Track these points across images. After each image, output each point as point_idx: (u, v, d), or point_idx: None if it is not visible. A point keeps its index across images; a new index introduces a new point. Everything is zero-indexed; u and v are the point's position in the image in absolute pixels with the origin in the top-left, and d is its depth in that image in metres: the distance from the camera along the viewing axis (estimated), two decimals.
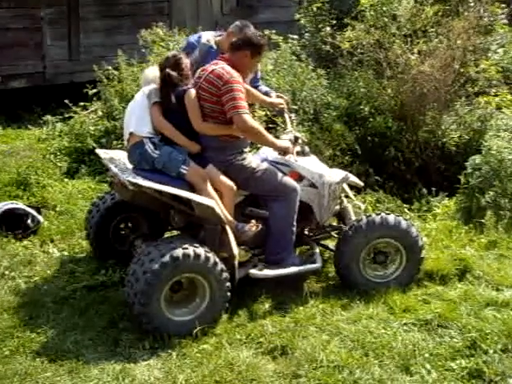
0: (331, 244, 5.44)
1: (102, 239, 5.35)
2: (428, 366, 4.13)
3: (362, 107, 7.83)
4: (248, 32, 4.91)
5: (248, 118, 4.57)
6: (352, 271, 4.99)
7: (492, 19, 8.69)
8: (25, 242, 5.73)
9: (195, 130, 4.69)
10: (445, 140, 7.71)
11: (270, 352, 4.27)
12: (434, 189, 7.10)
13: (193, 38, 5.72)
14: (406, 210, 6.73)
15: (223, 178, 4.66)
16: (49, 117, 8.66)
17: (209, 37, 5.54)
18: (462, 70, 7.73)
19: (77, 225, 6.05)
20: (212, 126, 4.67)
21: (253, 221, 4.76)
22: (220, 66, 4.67)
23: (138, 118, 4.69)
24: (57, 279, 5.15)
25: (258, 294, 4.90)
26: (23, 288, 5.00)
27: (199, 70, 4.85)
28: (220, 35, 5.58)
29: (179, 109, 4.67)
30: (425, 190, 7.19)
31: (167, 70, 4.70)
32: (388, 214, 5.08)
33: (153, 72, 4.95)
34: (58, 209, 6.40)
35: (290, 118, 5.33)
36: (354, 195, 5.70)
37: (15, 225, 5.84)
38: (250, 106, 4.97)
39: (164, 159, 4.57)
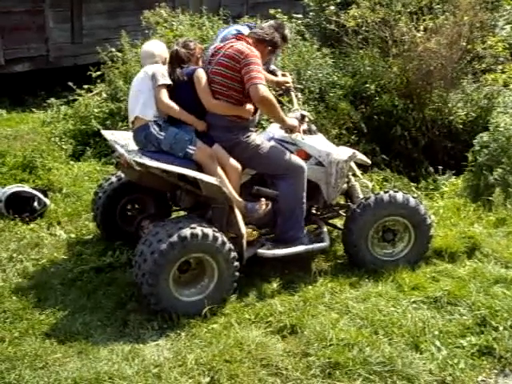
0: (339, 223, 5.42)
1: (109, 220, 5.35)
2: (438, 344, 4.12)
3: (367, 86, 7.79)
4: (274, 32, 4.94)
5: (264, 88, 4.55)
6: (360, 249, 4.97)
7: None
8: (32, 225, 5.73)
9: (205, 107, 4.66)
10: (451, 118, 7.69)
11: (280, 331, 4.27)
12: (440, 167, 7.07)
13: (230, 33, 5.57)
14: (412, 188, 6.71)
15: (229, 158, 4.63)
16: (53, 100, 8.64)
17: (246, 33, 5.45)
18: (468, 47, 7.69)
19: (83, 207, 6.05)
20: (223, 105, 4.64)
21: (262, 199, 4.74)
22: (240, 43, 4.70)
23: (143, 102, 4.65)
24: (64, 261, 5.15)
25: (266, 273, 4.89)
26: (31, 271, 5.00)
27: (212, 47, 4.84)
28: (253, 28, 5.50)
29: (187, 87, 4.63)
30: (431, 169, 7.18)
31: (176, 47, 4.73)
32: (396, 191, 5.05)
33: (157, 48, 4.91)
34: (64, 191, 6.39)
35: (297, 96, 5.29)
36: (361, 174, 5.66)
37: (22, 208, 5.84)
38: None
39: (170, 140, 4.54)
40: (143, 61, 4.93)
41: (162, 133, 4.56)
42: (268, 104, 4.63)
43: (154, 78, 4.63)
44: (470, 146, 6.81)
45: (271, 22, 5.45)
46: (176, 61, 4.70)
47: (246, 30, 5.43)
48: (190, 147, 4.53)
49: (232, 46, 4.67)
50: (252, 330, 4.24)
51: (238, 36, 4.91)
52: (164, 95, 4.60)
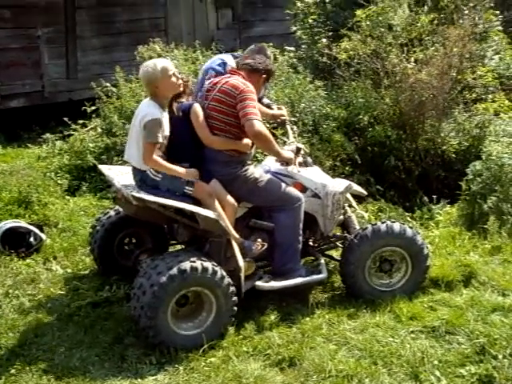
0: (335, 254, 5.43)
1: (106, 254, 5.34)
2: (437, 373, 4.10)
3: (360, 117, 7.86)
4: (266, 59, 5.06)
5: (259, 124, 4.59)
6: (358, 280, 4.98)
7: (487, 26, 8.78)
8: (28, 260, 5.71)
9: (203, 143, 4.67)
10: (444, 147, 7.74)
11: (278, 364, 4.25)
12: (434, 196, 7.11)
13: (214, 63, 5.55)
14: (407, 218, 6.73)
15: (226, 194, 4.65)
16: (48, 135, 8.66)
17: (232, 63, 5.47)
18: (459, 77, 7.78)
19: (79, 242, 6.04)
20: (221, 140, 4.67)
21: (259, 240, 4.77)
22: (235, 78, 4.74)
23: (138, 154, 4.53)
24: (61, 297, 5.13)
25: (263, 305, 4.88)
26: (27, 306, 4.97)
27: (208, 83, 4.86)
28: (237, 57, 5.58)
29: (183, 121, 4.65)
30: (426, 198, 7.20)
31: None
32: (393, 222, 5.08)
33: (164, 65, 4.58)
34: (60, 226, 6.39)
35: (292, 129, 5.34)
36: (356, 205, 5.69)
37: (18, 243, 5.82)
38: None
39: (167, 183, 4.51)
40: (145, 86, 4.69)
41: (158, 175, 4.52)
42: (263, 139, 4.67)
43: (145, 129, 4.45)
44: (464, 174, 6.85)
45: (251, 46, 5.55)
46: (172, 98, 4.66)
47: (230, 59, 5.51)
48: (188, 188, 4.52)
49: (227, 81, 4.72)
50: (250, 362, 4.22)
51: (232, 70, 4.97)
52: (150, 154, 4.43)
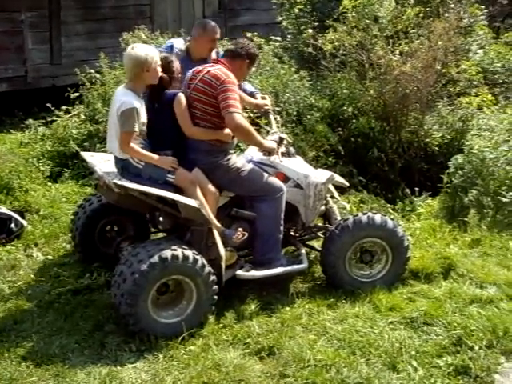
0: (316, 244, 5.45)
1: (88, 241, 5.32)
2: (414, 364, 4.15)
3: (345, 108, 7.89)
4: (247, 43, 4.99)
5: (239, 117, 4.58)
6: (338, 270, 5.01)
7: (472, 20, 8.83)
8: (8, 247, 5.68)
9: (185, 133, 4.67)
10: (427, 140, 7.79)
11: (257, 352, 4.28)
12: (417, 189, 7.16)
13: (163, 47, 5.69)
14: (389, 209, 6.78)
15: (208, 183, 4.65)
16: (31, 121, 8.60)
17: (181, 45, 5.56)
18: (443, 71, 7.83)
19: (61, 228, 6.02)
20: (202, 131, 4.67)
21: (240, 229, 4.77)
22: (217, 67, 4.72)
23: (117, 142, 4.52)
24: (41, 283, 5.11)
25: (244, 294, 4.89)
26: (7, 293, 4.95)
27: (191, 71, 4.83)
28: (188, 41, 5.60)
29: (167, 110, 4.64)
30: (408, 190, 7.26)
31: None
32: (375, 213, 5.11)
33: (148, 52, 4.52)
34: (41, 213, 6.35)
35: (276, 118, 5.34)
36: (339, 195, 5.71)
37: None
38: None
39: (149, 171, 4.51)
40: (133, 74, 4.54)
41: (140, 163, 4.52)
42: (244, 132, 4.68)
43: (120, 118, 4.43)
44: (446, 167, 6.90)
45: (195, 25, 5.61)
46: (159, 86, 4.62)
47: (179, 42, 5.57)
48: (169, 176, 4.52)
49: (209, 71, 4.70)
50: (230, 351, 4.25)
51: (215, 59, 4.97)
52: (126, 142, 4.43)
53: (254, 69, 7.73)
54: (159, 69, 4.56)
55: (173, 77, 4.71)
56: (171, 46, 5.52)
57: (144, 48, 4.56)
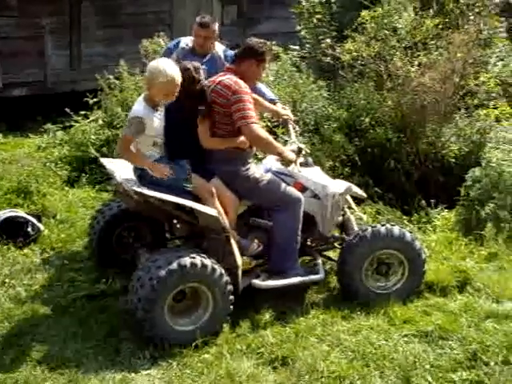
0: (333, 255, 5.44)
1: (105, 246, 5.35)
2: (429, 378, 4.13)
3: (362, 119, 7.86)
4: (255, 42, 4.89)
5: (256, 127, 4.58)
6: (354, 280, 4.99)
7: (491, 32, 8.78)
8: (25, 250, 5.73)
9: (203, 145, 4.68)
10: (444, 152, 7.74)
11: (271, 362, 4.28)
12: (433, 201, 7.12)
13: (171, 43, 5.97)
14: (405, 221, 6.74)
15: (227, 191, 4.67)
16: (49, 125, 8.68)
17: (187, 41, 5.75)
18: (461, 83, 7.77)
19: (77, 233, 6.06)
20: (219, 141, 4.68)
21: (256, 240, 4.79)
22: (227, 77, 4.70)
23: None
24: (57, 288, 5.14)
25: (259, 304, 4.89)
26: (23, 296, 5.00)
27: (206, 82, 4.82)
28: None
29: (184, 120, 4.64)
30: (424, 202, 7.21)
31: (203, 82, 4.62)
32: (393, 225, 5.10)
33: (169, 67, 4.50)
34: (58, 217, 6.39)
35: (294, 128, 5.32)
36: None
37: (16, 233, 5.83)
38: None
39: (166, 181, 4.52)
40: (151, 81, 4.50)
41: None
42: (263, 142, 4.70)
43: (127, 124, 4.53)
44: (463, 180, 6.86)
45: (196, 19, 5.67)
46: (191, 97, 4.59)
47: (187, 39, 5.75)
48: (187, 185, 4.54)
49: (220, 81, 4.68)
50: (243, 361, 4.25)
51: (227, 68, 4.95)
52: (124, 146, 4.50)
53: (271, 78, 7.82)
54: (176, 90, 4.48)
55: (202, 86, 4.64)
56: (178, 42, 5.76)
57: (170, 67, 4.48)
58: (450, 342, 4.52)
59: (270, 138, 4.78)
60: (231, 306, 4.51)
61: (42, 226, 6.05)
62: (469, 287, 5.30)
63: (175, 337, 4.37)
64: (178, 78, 4.46)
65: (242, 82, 4.66)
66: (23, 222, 5.93)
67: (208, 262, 4.38)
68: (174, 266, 4.27)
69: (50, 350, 4.34)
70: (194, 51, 5.64)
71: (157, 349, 4.33)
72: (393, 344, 4.47)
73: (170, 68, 4.47)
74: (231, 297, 4.50)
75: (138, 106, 4.54)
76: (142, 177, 4.58)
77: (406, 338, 4.56)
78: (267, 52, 4.84)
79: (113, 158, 6.39)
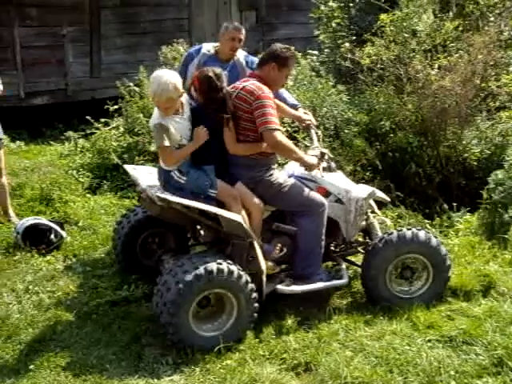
0: (356, 260, 5.41)
1: (129, 251, 5.37)
2: None
3: (382, 123, 7.83)
4: (273, 46, 4.87)
5: (278, 134, 4.57)
6: (378, 284, 4.95)
7: None
8: (48, 257, 5.78)
9: (229, 151, 4.67)
10: (466, 155, 7.68)
11: (294, 368, 4.26)
12: (455, 204, 7.06)
13: (193, 49, 5.95)
14: (427, 225, 6.69)
15: (252, 196, 4.67)
16: (71, 133, 8.77)
17: (209, 47, 5.77)
18: (482, 85, 7.71)
19: (99, 240, 6.10)
20: (244, 147, 4.67)
21: (279, 244, 4.78)
22: (250, 83, 4.69)
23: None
24: (80, 294, 5.18)
25: (281, 309, 4.88)
26: (47, 303, 5.03)
27: (229, 88, 4.81)
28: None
29: (210, 127, 4.63)
30: (446, 206, 7.16)
31: (225, 89, 4.59)
32: (419, 229, 5.05)
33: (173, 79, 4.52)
34: (80, 224, 6.45)
35: (317, 133, 5.30)
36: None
37: (39, 240, 5.89)
38: None
39: (191, 186, 4.55)
40: (159, 91, 4.46)
41: (183, 177, 4.56)
42: (284, 149, 4.68)
43: (153, 135, 4.60)
44: (485, 183, 6.78)
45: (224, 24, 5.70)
46: (209, 103, 4.60)
47: (209, 45, 5.78)
48: (211, 191, 4.55)
49: (244, 87, 4.67)
50: (266, 366, 4.24)
51: (250, 73, 4.97)
52: (165, 157, 4.55)
53: (291, 83, 7.82)
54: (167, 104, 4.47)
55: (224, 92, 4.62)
56: (200, 48, 5.76)
57: (155, 82, 4.47)
58: (475, 348, 4.46)
59: (291, 144, 4.76)
60: (255, 314, 4.51)
61: (64, 233, 6.10)
62: (493, 291, 5.23)
63: (198, 342, 4.37)
64: (161, 94, 4.41)
65: (265, 88, 4.65)
66: (46, 229, 5.99)
67: (234, 268, 4.38)
68: (201, 270, 4.28)
69: (74, 356, 4.36)
70: (217, 57, 5.64)
71: (179, 355, 4.34)
72: (416, 349, 4.41)
73: (154, 83, 4.47)
74: (256, 304, 4.49)
75: (154, 115, 4.62)
76: (167, 180, 4.60)
77: (429, 343, 4.51)
78: (290, 57, 4.78)
79: (134, 164, 6.45)
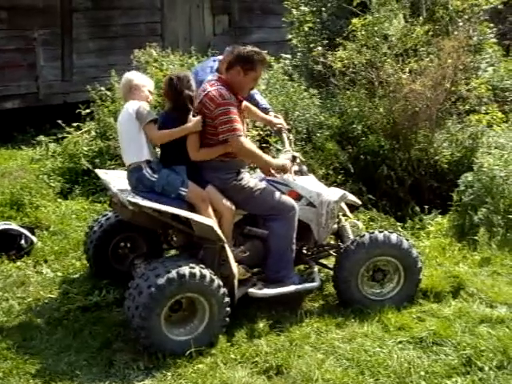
0: (328, 263, 5.44)
1: (101, 256, 5.33)
2: None
3: (354, 126, 7.89)
4: (240, 49, 4.78)
5: (243, 139, 4.57)
6: (350, 286, 4.98)
7: (481, 38, 8.85)
8: (18, 263, 5.70)
9: (191, 158, 4.66)
10: (437, 158, 7.77)
11: (266, 371, 4.25)
12: (426, 206, 7.14)
13: (206, 64, 5.96)
14: (399, 227, 6.75)
15: (222, 199, 4.66)
16: (42, 137, 8.67)
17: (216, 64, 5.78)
18: (452, 89, 7.82)
19: (70, 245, 6.04)
20: (206, 152, 4.65)
21: (242, 247, 4.79)
22: (214, 89, 4.64)
23: (137, 147, 4.60)
24: (50, 300, 5.12)
25: (253, 313, 4.88)
26: (17, 309, 4.97)
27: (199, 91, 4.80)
28: (219, 61, 5.73)
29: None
30: (417, 208, 7.23)
31: (186, 92, 4.57)
32: (391, 232, 5.09)
33: (141, 79, 4.84)
34: (51, 229, 6.38)
35: (288, 137, 5.31)
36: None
37: (9, 245, 5.82)
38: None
39: (162, 182, 4.55)
40: (129, 93, 4.78)
41: (154, 175, 4.56)
42: (250, 155, 4.70)
43: (138, 116, 4.57)
44: (456, 185, 6.88)
45: (227, 48, 5.62)
46: (187, 107, 4.61)
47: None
48: (182, 189, 4.55)
49: (207, 93, 4.64)
50: (238, 370, 4.23)
51: (218, 77, 4.85)
52: (154, 131, 4.59)
53: (263, 86, 7.83)
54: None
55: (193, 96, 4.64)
56: (212, 67, 5.76)
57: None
58: (445, 348, 4.51)
59: (257, 149, 4.76)
60: (227, 319, 4.50)
61: (35, 239, 6.03)
62: (462, 292, 5.30)
63: (170, 347, 4.35)
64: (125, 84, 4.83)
65: (226, 94, 4.59)
66: (16, 234, 5.91)
67: (207, 272, 4.37)
68: (173, 274, 4.26)
69: (44, 362, 4.31)
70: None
71: (151, 359, 4.31)
72: (387, 351, 4.45)
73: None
74: (228, 309, 4.48)
75: (125, 109, 4.72)
76: (140, 179, 4.58)
77: (400, 345, 4.54)
78: (257, 61, 4.67)
79: (105, 169, 6.41)
